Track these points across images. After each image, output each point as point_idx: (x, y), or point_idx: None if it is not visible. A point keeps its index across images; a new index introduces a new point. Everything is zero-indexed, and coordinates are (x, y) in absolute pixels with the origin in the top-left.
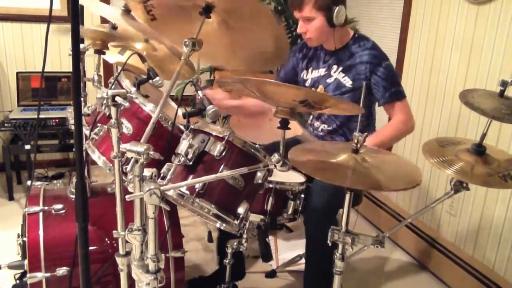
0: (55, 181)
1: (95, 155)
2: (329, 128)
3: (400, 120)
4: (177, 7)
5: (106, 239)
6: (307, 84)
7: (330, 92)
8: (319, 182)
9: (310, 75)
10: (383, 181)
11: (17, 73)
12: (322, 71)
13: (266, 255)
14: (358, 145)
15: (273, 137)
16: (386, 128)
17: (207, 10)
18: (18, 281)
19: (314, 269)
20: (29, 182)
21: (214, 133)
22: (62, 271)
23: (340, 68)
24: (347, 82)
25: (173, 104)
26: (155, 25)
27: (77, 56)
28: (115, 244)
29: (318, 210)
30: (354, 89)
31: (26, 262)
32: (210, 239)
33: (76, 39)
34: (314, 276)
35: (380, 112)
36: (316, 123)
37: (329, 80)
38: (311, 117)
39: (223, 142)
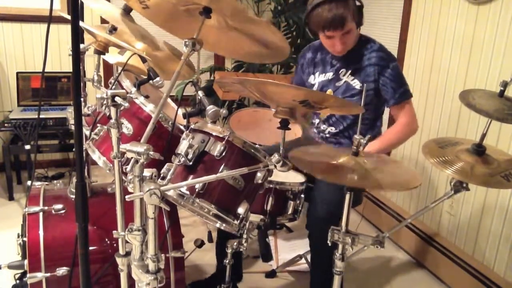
0: (55, 181)
1: (96, 155)
2: (336, 130)
3: (405, 123)
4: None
5: (106, 239)
6: (314, 88)
7: (339, 95)
8: (321, 187)
9: (317, 79)
10: (383, 183)
11: (17, 73)
12: (329, 75)
13: (266, 255)
14: (359, 148)
15: (273, 138)
16: (391, 132)
17: (207, 11)
18: (18, 281)
19: (321, 270)
20: (29, 182)
21: (214, 133)
22: (62, 271)
23: (349, 71)
24: (356, 84)
25: (173, 104)
26: (146, 13)
27: (77, 56)
28: (115, 244)
29: (322, 216)
30: (362, 91)
31: (26, 262)
32: (210, 239)
33: (76, 39)
34: (321, 280)
35: (385, 115)
36: (323, 126)
37: (338, 84)
38: (317, 120)
39: (223, 142)
